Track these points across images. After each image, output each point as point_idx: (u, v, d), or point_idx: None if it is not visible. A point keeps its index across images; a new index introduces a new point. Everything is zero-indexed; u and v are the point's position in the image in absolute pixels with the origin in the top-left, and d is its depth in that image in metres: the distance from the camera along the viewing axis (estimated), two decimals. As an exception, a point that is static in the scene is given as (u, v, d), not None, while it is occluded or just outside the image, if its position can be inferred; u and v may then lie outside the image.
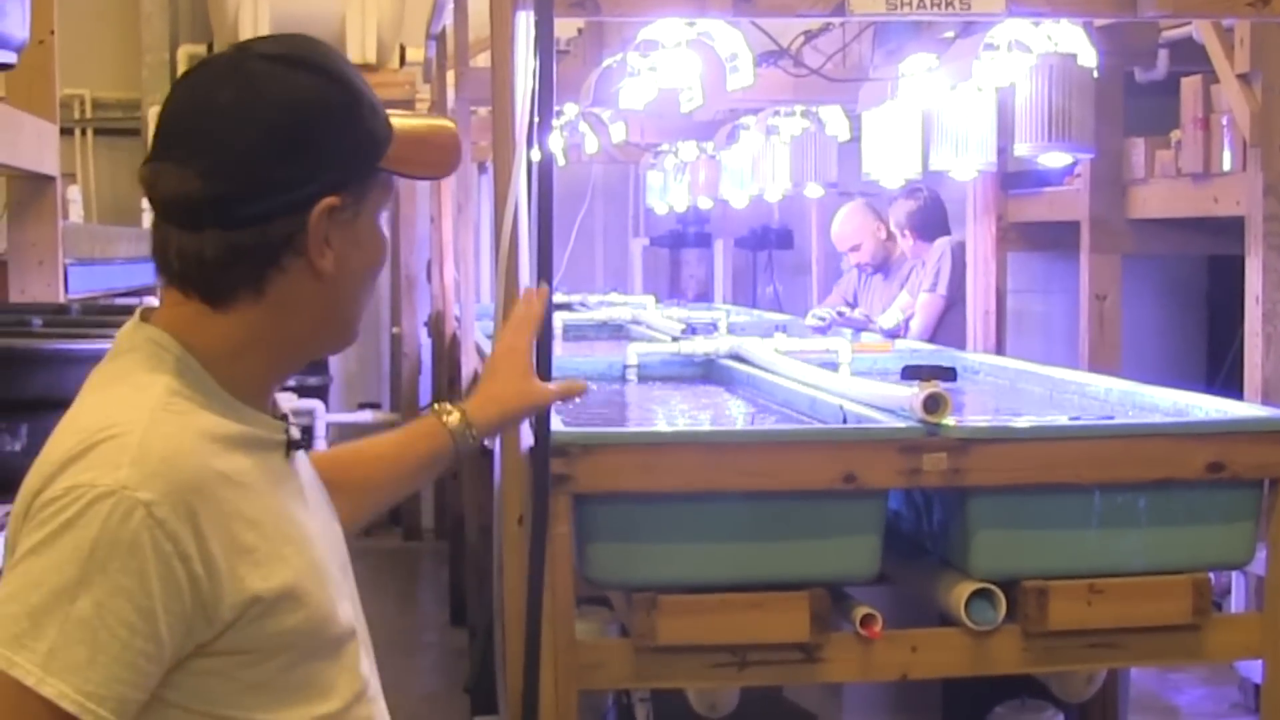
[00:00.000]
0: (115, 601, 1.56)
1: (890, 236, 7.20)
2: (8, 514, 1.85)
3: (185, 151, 1.70)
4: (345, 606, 1.79)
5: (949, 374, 3.45)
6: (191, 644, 1.62)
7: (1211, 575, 3.52)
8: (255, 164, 1.69)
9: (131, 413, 1.65)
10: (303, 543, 1.73)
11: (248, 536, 1.65)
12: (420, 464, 2.32)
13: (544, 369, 3.06)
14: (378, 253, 1.81)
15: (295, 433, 1.80)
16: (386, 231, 1.85)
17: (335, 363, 9.71)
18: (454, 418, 2.30)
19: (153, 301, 6.30)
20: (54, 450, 1.65)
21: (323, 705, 1.73)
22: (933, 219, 6.97)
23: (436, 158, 1.90)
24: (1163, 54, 5.81)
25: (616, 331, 6.87)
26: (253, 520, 1.66)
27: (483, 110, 6.82)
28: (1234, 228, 5.03)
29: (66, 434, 1.66)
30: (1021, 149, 4.32)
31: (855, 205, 7.32)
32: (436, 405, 2.34)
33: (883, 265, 7.25)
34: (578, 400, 2.39)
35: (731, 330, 6.30)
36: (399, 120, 1.83)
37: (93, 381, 1.76)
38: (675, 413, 4.56)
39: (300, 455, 1.84)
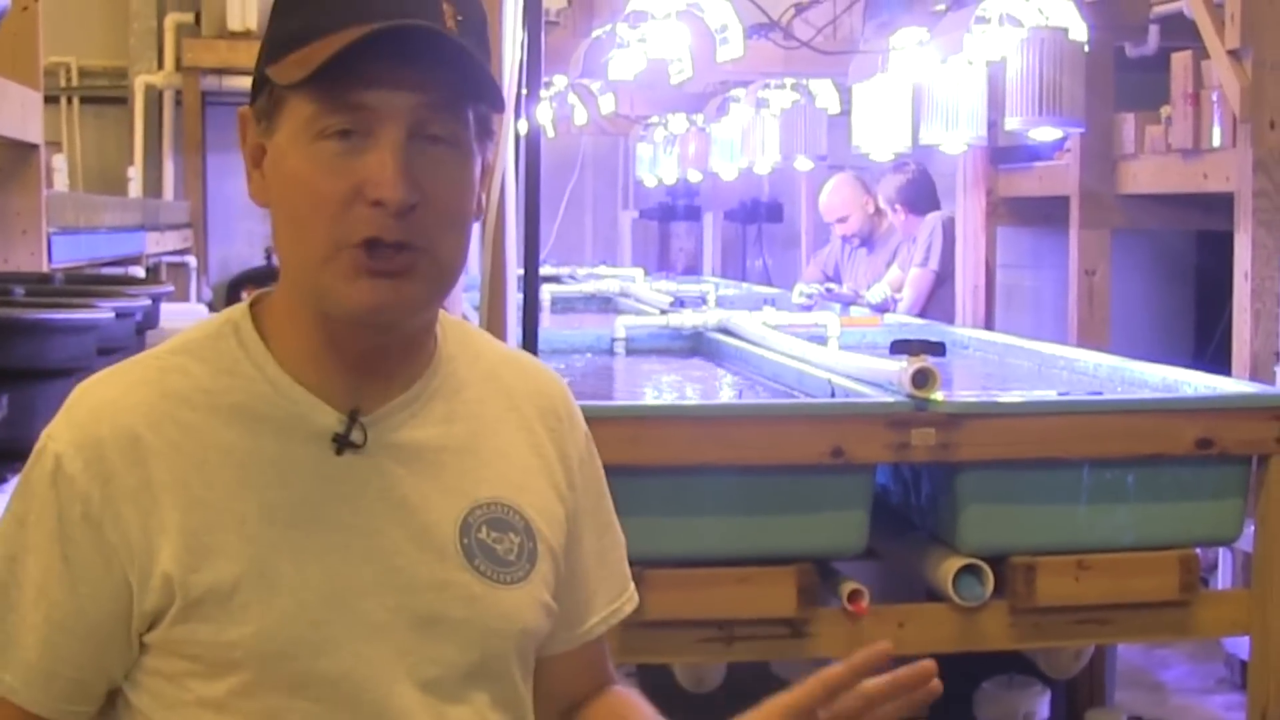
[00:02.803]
0: (27, 560, 1.41)
1: (878, 211, 7.18)
2: None
3: None
4: (359, 650, 1.44)
5: (938, 349, 3.43)
6: (132, 628, 1.43)
7: (1199, 551, 3.53)
8: None
9: (116, 368, 1.49)
10: (282, 549, 1.42)
11: (180, 514, 1.40)
12: None
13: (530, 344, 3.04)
14: (289, 183, 1.42)
15: (358, 435, 1.46)
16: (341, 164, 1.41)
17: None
18: None
19: (138, 272, 6.20)
20: None
21: None
22: (922, 193, 6.96)
23: (297, 65, 1.40)
24: (1153, 29, 5.78)
25: (605, 304, 6.86)
26: (199, 499, 1.41)
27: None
28: (1223, 203, 5.01)
29: None
30: (1012, 123, 4.30)
31: (843, 177, 7.31)
32: None
33: (869, 239, 7.24)
34: None
35: (720, 304, 6.29)
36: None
37: None
38: (663, 386, 4.55)
39: (389, 461, 1.48)
